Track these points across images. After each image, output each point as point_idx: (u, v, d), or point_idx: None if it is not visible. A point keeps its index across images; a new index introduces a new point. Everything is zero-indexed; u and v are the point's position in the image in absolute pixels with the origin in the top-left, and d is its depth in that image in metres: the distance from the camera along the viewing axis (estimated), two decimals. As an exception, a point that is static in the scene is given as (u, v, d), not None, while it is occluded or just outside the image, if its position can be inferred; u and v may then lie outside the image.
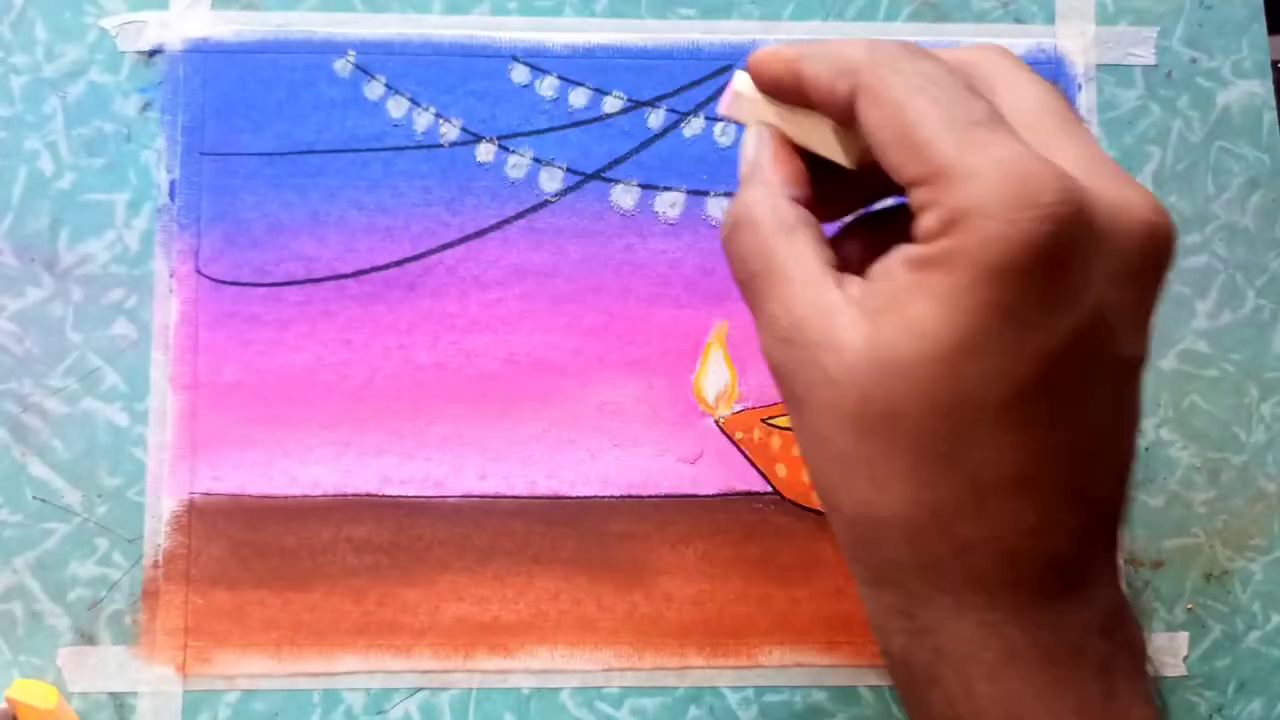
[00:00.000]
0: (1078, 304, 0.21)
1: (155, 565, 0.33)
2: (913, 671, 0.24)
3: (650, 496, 0.34)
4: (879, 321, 0.22)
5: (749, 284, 0.25)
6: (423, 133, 0.34)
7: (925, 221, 0.21)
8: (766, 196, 0.25)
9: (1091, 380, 0.22)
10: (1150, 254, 0.21)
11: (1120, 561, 0.25)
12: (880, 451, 0.22)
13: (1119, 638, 0.23)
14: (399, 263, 0.34)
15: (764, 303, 0.24)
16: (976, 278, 0.20)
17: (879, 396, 0.22)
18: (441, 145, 0.34)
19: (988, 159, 0.20)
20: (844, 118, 0.23)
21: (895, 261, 0.22)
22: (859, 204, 0.26)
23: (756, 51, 0.25)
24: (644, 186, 0.35)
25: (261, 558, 0.33)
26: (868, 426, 0.22)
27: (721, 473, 0.34)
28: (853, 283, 0.23)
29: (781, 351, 0.24)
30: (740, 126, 0.35)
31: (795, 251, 0.24)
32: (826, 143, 0.24)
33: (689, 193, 0.35)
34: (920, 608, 0.23)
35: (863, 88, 0.22)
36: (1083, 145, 0.22)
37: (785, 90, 0.25)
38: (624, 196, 0.35)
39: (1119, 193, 0.21)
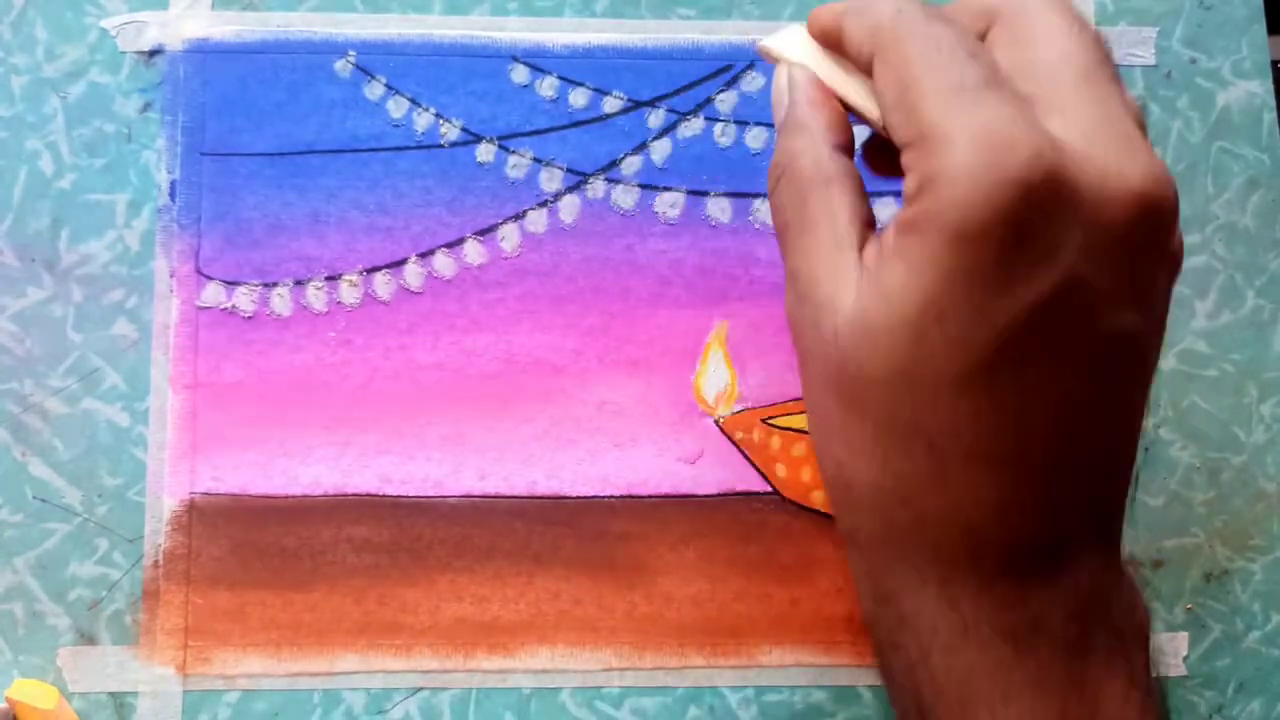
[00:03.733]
0: (1047, 272, 0.20)
1: (155, 565, 0.33)
2: (879, 635, 0.24)
3: (650, 496, 0.34)
4: (863, 287, 0.22)
5: (783, 235, 0.24)
6: (423, 133, 0.34)
7: (908, 185, 0.21)
8: (810, 146, 0.24)
9: (1065, 353, 0.21)
10: (1137, 225, 0.20)
11: (1121, 550, 0.24)
12: (853, 417, 0.22)
13: (1101, 623, 0.23)
14: (399, 263, 0.34)
15: (791, 256, 0.24)
16: (941, 243, 0.20)
17: (853, 362, 0.22)
18: (441, 145, 0.34)
19: (965, 124, 0.20)
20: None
21: (889, 225, 0.22)
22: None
23: (818, 8, 0.24)
24: (644, 186, 0.35)
25: (262, 558, 0.33)
26: (844, 392, 0.22)
27: (721, 473, 0.34)
28: (872, 243, 0.22)
29: (796, 309, 0.23)
30: (741, 128, 0.35)
31: (828, 207, 0.23)
32: (861, 97, 0.24)
33: (689, 193, 0.35)
34: (885, 574, 0.23)
35: (878, 49, 0.22)
36: (1094, 105, 0.21)
37: (831, 44, 0.24)
38: (624, 196, 0.35)
39: (1113, 160, 0.20)
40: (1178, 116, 0.36)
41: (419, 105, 0.34)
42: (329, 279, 0.34)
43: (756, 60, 0.35)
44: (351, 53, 0.35)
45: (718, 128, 0.35)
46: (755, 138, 0.35)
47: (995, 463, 0.21)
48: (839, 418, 0.23)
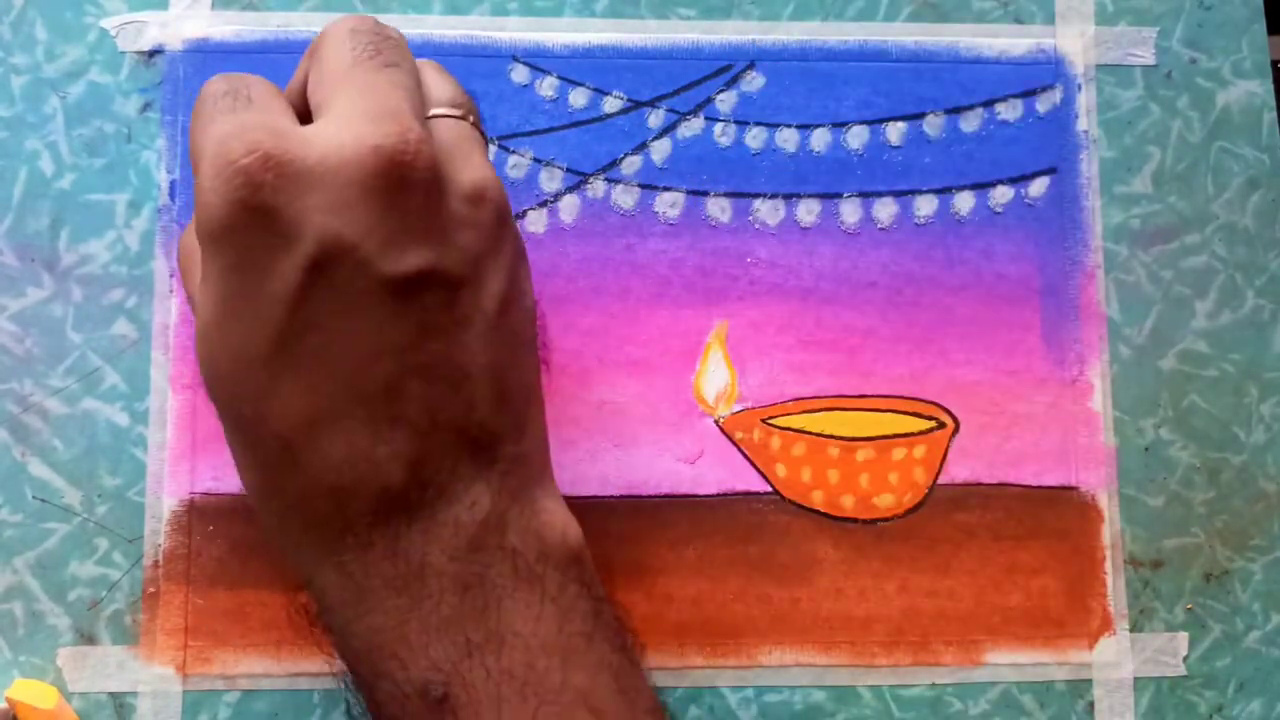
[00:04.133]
0: (298, 242, 0.22)
1: (155, 565, 0.33)
2: (326, 628, 0.25)
3: (650, 496, 0.34)
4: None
5: (182, 280, 0.27)
6: (423, 133, 0.34)
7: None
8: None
9: (352, 308, 0.22)
10: (376, 177, 0.22)
11: (521, 473, 0.25)
12: (227, 431, 0.24)
13: (495, 551, 0.24)
14: (399, 263, 0.34)
15: (189, 296, 0.26)
16: (206, 248, 0.22)
17: (202, 374, 0.24)
18: (441, 145, 0.34)
19: (207, 140, 0.22)
20: None
21: None
22: None
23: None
24: (644, 186, 0.35)
25: (262, 557, 0.33)
26: (216, 408, 0.24)
27: (721, 473, 0.34)
28: None
29: (197, 344, 0.25)
30: (741, 128, 0.35)
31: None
32: None
33: (689, 193, 0.35)
34: (296, 564, 0.25)
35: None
36: (350, 92, 0.23)
37: None
38: (624, 196, 0.35)
39: (347, 130, 0.22)
40: (1178, 116, 0.36)
41: (419, 105, 0.34)
42: (329, 279, 0.34)
43: (757, 60, 0.35)
44: (351, 53, 0.35)
45: (717, 128, 0.35)
46: (755, 138, 0.35)
47: (330, 424, 0.23)
48: (226, 434, 0.25)
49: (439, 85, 0.26)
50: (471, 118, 0.26)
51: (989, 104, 0.35)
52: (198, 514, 0.33)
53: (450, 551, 0.23)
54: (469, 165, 0.24)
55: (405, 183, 0.22)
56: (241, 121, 0.22)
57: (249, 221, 0.22)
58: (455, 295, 0.23)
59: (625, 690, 0.24)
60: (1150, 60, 0.36)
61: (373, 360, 0.23)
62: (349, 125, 0.23)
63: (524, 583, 0.24)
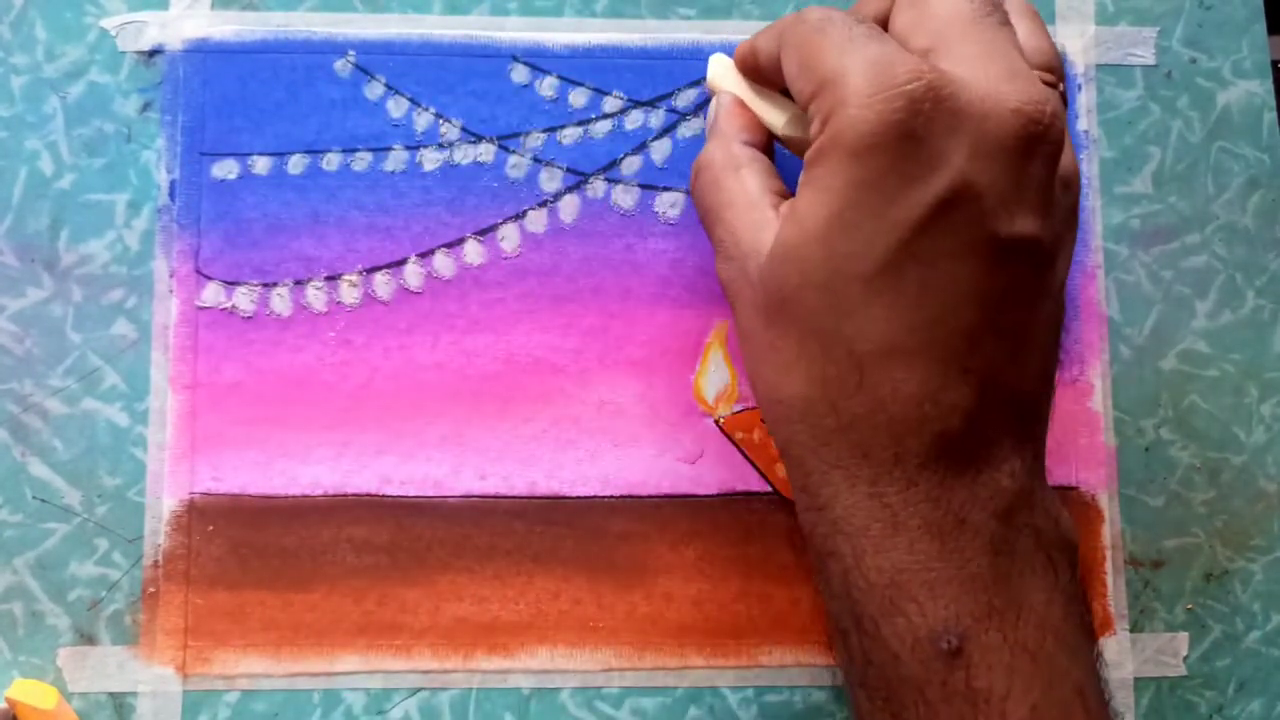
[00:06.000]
0: (938, 177, 0.22)
1: (155, 565, 0.33)
2: (816, 546, 0.26)
3: (650, 496, 0.34)
4: (780, 225, 0.25)
5: (706, 218, 0.28)
6: (423, 133, 0.34)
7: (814, 128, 0.24)
8: (722, 144, 0.28)
9: (963, 252, 0.23)
10: (1018, 137, 0.23)
11: (1043, 462, 0.26)
12: (780, 335, 0.25)
13: (1024, 526, 0.24)
14: (399, 263, 0.34)
15: (715, 231, 0.27)
16: (840, 160, 0.23)
17: (775, 285, 0.24)
18: (441, 145, 0.34)
19: (854, 60, 0.23)
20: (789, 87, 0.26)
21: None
22: None
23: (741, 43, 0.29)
24: (644, 186, 0.35)
25: (261, 558, 0.33)
26: (770, 314, 0.25)
27: (721, 473, 0.34)
28: (786, 202, 0.26)
29: (726, 269, 0.26)
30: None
31: (741, 183, 0.27)
32: (767, 111, 0.29)
33: (689, 193, 0.35)
34: (820, 483, 0.25)
35: (783, 43, 0.26)
36: (978, 45, 0.24)
37: (748, 66, 0.29)
38: (624, 196, 0.35)
39: (992, 84, 0.23)
40: (1178, 116, 0.36)
41: (419, 105, 0.34)
42: (329, 279, 0.34)
43: (756, 60, 0.35)
44: (351, 53, 0.35)
45: (718, 128, 0.35)
46: (755, 138, 0.35)
47: (909, 357, 0.23)
48: (767, 340, 0.25)
49: (1037, 42, 0.26)
50: (1061, 85, 0.26)
51: (989, 104, 0.35)
52: (197, 514, 0.33)
53: (988, 513, 0.24)
54: (1065, 147, 0.25)
55: (1035, 151, 0.23)
56: (897, 48, 0.23)
57: (897, 144, 0.22)
58: (1041, 268, 0.24)
59: (1105, 696, 0.25)
60: (1150, 60, 0.36)
61: (962, 308, 0.23)
62: (986, 79, 0.23)
63: (1041, 563, 0.24)
